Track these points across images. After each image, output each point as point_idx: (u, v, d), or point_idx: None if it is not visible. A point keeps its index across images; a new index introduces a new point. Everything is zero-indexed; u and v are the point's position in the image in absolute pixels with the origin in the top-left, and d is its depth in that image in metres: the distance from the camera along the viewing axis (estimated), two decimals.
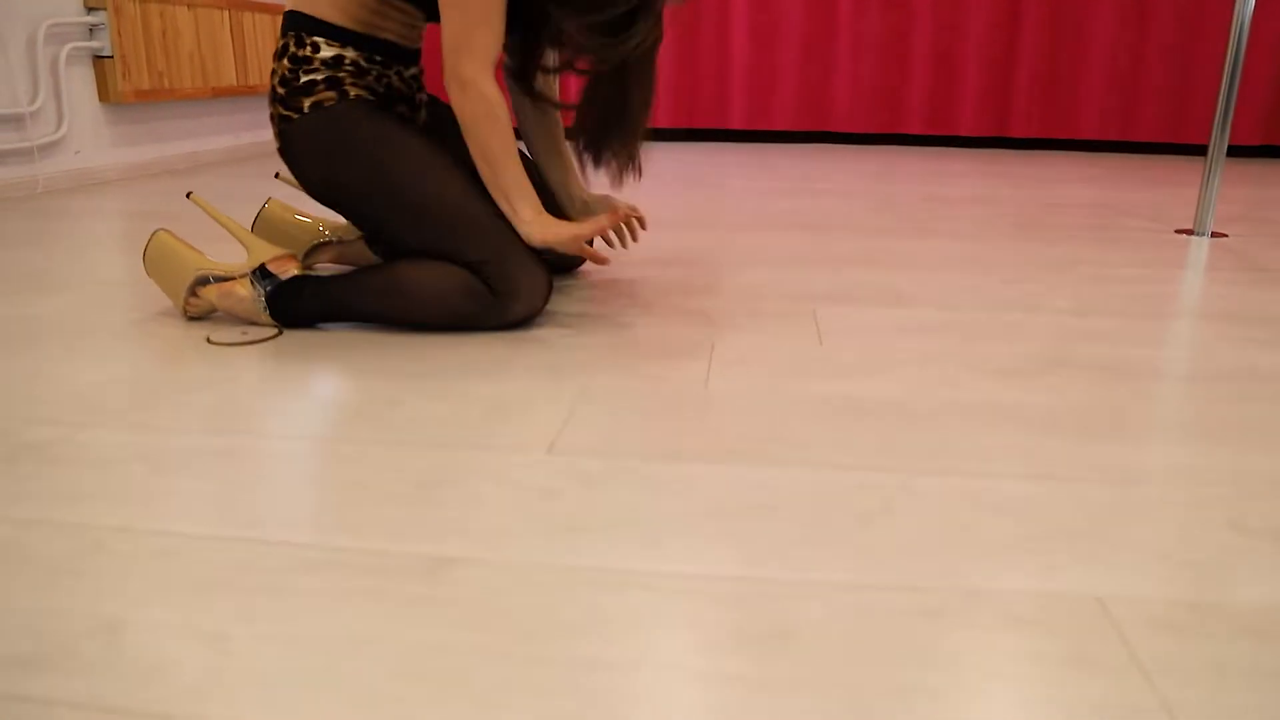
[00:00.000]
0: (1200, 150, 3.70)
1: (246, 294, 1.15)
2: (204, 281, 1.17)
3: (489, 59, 1.07)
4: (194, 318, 1.21)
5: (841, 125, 3.83)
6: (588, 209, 1.39)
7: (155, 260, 1.19)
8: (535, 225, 1.12)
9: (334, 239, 1.46)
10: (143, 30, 2.70)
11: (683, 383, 0.97)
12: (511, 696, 0.48)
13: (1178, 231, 1.90)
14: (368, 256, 1.47)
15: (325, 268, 1.47)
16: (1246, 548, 0.64)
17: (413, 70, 1.26)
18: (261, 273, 1.15)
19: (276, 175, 1.42)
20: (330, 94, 1.15)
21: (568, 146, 1.36)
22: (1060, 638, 0.53)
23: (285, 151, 1.19)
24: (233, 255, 1.51)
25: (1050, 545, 0.64)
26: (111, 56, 2.62)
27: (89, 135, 2.62)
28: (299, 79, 1.14)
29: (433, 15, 1.18)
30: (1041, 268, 1.55)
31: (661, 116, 3.93)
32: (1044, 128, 3.72)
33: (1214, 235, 1.86)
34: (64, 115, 2.52)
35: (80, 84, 2.58)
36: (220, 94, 3.10)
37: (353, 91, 1.15)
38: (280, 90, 1.16)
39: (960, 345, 1.11)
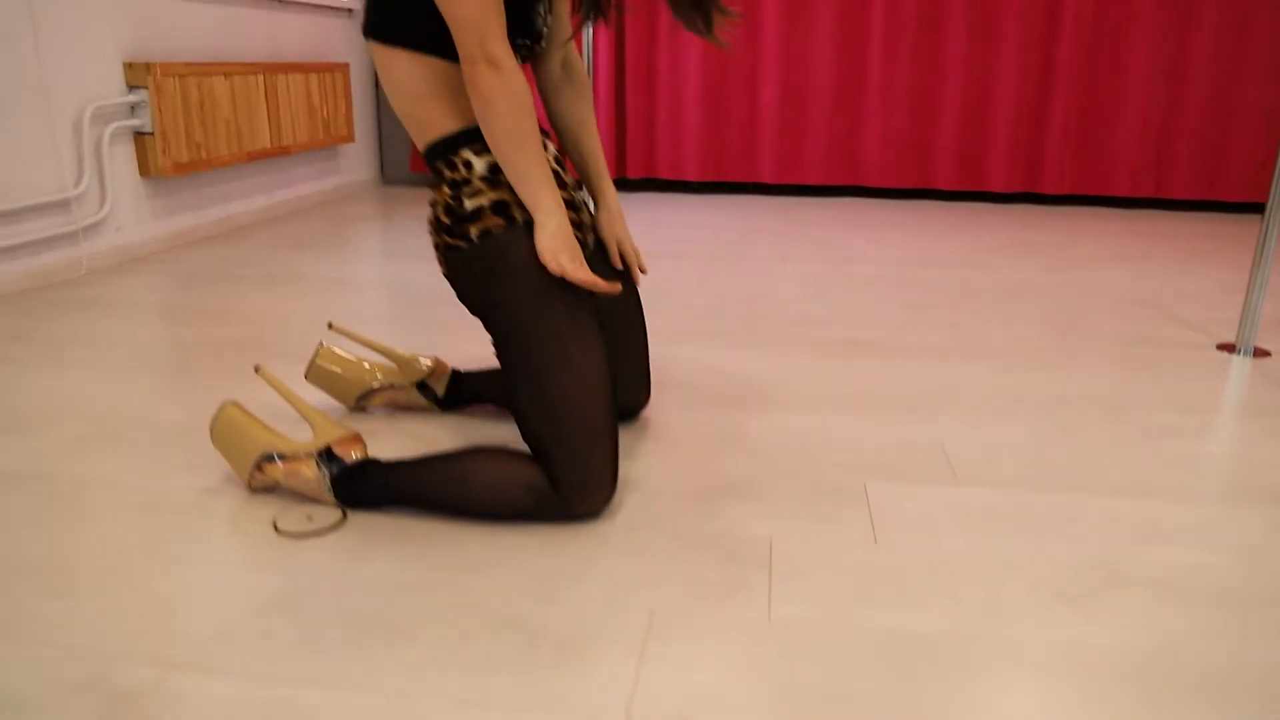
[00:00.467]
0: (1239, 208, 3.68)
1: (312, 475, 1.17)
2: (269, 459, 1.19)
3: (506, 40, 1.08)
4: (255, 490, 1.23)
5: (872, 180, 3.83)
6: (611, 221, 1.38)
7: (223, 434, 1.21)
8: (556, 225, 1.11)
9: (385, 385, 1.48)
10: (181, 104, 2.72)
11: (747, 608, 0.98)
12: None
13: (1219, 348, 1.90)
14: (418, 401, 1.49)
15: (377, 412, 1.49)
16: None
17: (551, 152, 1.26)
18: (327, 454, 1.17)
19: (325, 334, 1.44)
20: (498, 220, 1.15)
21: (597, 132, 1.37)
22: None
23: (450, 275, 1.21)
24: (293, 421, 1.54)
25: None
26: (152, 133, 2.65)
27: (129, 211, 2.66)
28: (463, 205, 1.15)
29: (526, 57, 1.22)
30: (1086, 407, 1.56)
31: (691, 168, 3.94)
32: (1076, 184, 3.71)
33: (1256, 354, 1.86)
34: (107, 195, 2.55)
35: (122, 161, 2.62)
36: (255, 158, 3.13)
37: (520, 216, 1.15)
38: (445, 220, 1.17)
39: (1014, 547, 1.12)
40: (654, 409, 1.53)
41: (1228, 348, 1.90)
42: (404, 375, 1.48)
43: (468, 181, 1.16)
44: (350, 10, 3.91)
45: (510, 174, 1.12)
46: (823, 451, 1.38)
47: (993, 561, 1.08)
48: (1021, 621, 0.96)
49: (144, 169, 2.69)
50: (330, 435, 1.18)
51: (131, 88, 2.62)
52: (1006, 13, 3.56)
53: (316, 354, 1.49)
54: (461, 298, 1.21)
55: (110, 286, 2.34)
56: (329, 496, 1.17)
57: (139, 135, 2.66)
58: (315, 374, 1.48)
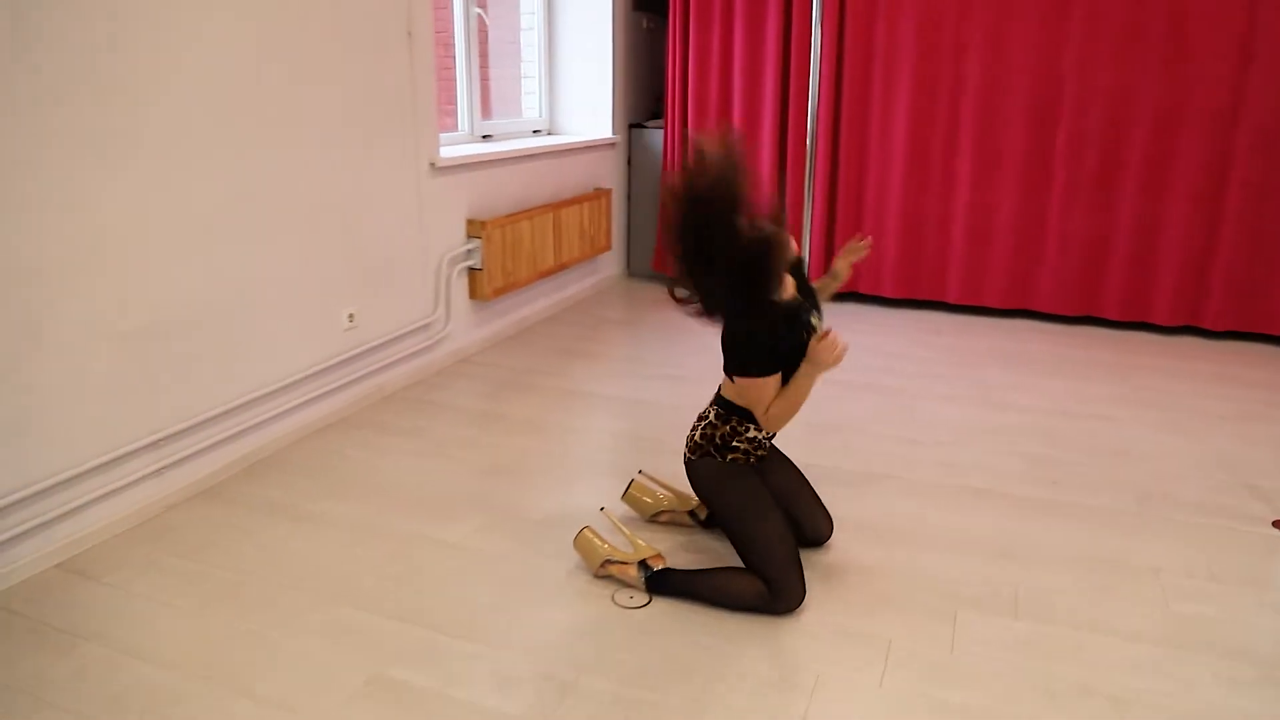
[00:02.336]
0: None
1: (634, 575, 2.07)
2: (609, 562, 2.10)
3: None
4: (599, 577, 2.13)
5: (1045, 306, 4.41)
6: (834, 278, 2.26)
7: (581, 546, 2.14)
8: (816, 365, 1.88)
9: (670, 509, 2.36)
10: (501, 246, 3.76)
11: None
12: None
13: (1276, 525, 2.45)
14: (687, 521, 2.35)
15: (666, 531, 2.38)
16: None
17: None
18: (642, 564, 2.06)
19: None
20: (740, 457, 2.02)
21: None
22: None
23: (691, 465, 2.05)
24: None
25: None
26: (481, 269, 3.70)
27: (461, 325, 3.72)
28: (731, 444, 2.02)
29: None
30: (1134, 568, 2.20)
31: (887, 286, 4.66)
32: (1238, 320, 4.13)
33: None
34: (450, 316, 3.62)
35: (457, 290, 3.67)
36: (543, 275, 4.15)
37: (747, 461, 2.03)
38: (714, 439, 2.02)
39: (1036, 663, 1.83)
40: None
41: None
42: (681, 505, 2.35)
43: (739, 434, 2.01)
44: (614, 144, 4.91)
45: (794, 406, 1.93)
46: (916, 563, 2.12)
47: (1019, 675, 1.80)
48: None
49: (473, 293, 3.74)
50: (646, 553, 2.08)
51: (470, 238, 3.68)
52: (1178, 169, 4.06)
53: (630, 485, 2.39)
54: (692, 480, 2.07)
55: (445, 389, 3.38)
56: (642, 588, 2.06)
57: (472, 271, 3.72)
58: (630, 495, 2.39)
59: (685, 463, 2.08)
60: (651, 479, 2.40)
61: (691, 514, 2.35)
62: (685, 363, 3.73)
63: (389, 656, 1.85)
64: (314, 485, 2.59)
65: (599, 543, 2.13)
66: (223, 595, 2.05)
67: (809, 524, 2.21)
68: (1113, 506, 2.54)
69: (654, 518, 2.38)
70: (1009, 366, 3.77)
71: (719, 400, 2.05)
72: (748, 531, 1.98)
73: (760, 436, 2.04)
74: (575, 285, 4.71)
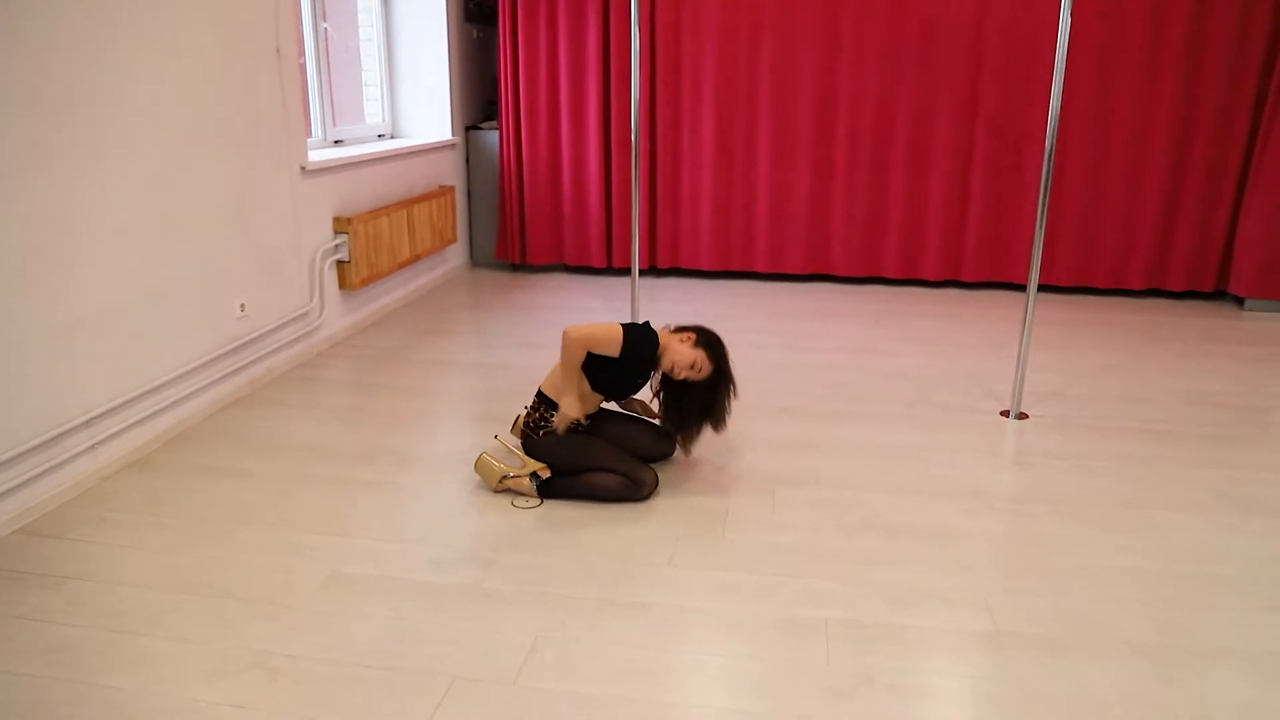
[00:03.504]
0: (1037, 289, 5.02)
1: (527, 485, 2.59)
2: (506, 478, 2.61)
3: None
4: (498, 491, 2.64)
5: (837, 270, 5.23)
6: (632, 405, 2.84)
7: (481, 469, 2.65)
8: (572, 406, 2.56)
9: (515, 474, 2.86)
10: (365, 240, 4.17)
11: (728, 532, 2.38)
12: None
13: (1002, 414, 3.26)
14: (526, 487, 2.87)
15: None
16: None
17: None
18: (533, 475, 2.59)
19: (495, 436, 2.84)
20: (550, 430, 2.61)
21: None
22: None
23: (526, 444, 2.65)
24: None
25: None
26: (349, 261, 4.10)
27: (334, 313, 4.10)
28: (541, 424, 2.62)
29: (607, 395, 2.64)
30: (899, 449, 2.93)
31: (704, 260, 5.35)
32: (988, 273, 5.07)
33: (1021, 417, 3.22)
34: (324, 305, 4.00)
35: (329, 281, 4.06)
36: (401, 266, 4.57)
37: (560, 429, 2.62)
38: (529, 423, 2.65)
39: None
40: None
41: (1005, 414, 3.26)
42: (524, 470, 2.84)
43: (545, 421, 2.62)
44: (454, 145, 5.37)
45: (558, 378, 2.57)
46: (742, 460, 2.76)
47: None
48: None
49: (342, 284, 4.13)
50: (534, 466, 2.60)
51: (337, 233, 4.07)
52: (934, 152, 4.95)
53: (480, 458, 2.86)
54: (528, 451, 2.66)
55: (326, 369, 3.78)
56: (535, 494, 2.59)
57: (340, 263, 4.10)
58: (479, 467, 2.89)
59: (522, 442, 2.69)
60: (505, 444, 2.85)
61: (533, 476, 2.82)
62: (529, 335, 4.28)
63: (343, 560, 2.30)
64: (235, 450, 2.96)
65: (495, 463, 2.64)
66: (183, 536, 2.43)
67: (649, 449, 2.78)
68: (890, 412, 3.29)
69: (500, 482, 2.75)
70: (811, 319, 4.53)
71: (538, 393, 2.67)
72: (587, 459, 2.60)
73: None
74: (427, 275, 5.14)
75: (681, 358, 2.55)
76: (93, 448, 2.75)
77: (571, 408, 2.57)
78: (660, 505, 2.57)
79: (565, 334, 2.52)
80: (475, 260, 5.80)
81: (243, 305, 3.42)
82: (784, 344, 4.10)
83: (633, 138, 3.91)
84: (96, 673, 1.87)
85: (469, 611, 2.08)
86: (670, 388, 2.70)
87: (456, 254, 5.58)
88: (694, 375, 2.57)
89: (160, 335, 3.00)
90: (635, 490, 2.57)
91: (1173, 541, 2.40)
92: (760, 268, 5.32)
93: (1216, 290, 4.98)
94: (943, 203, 5.05)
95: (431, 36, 5.13)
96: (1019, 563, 2.29)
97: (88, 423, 2.72)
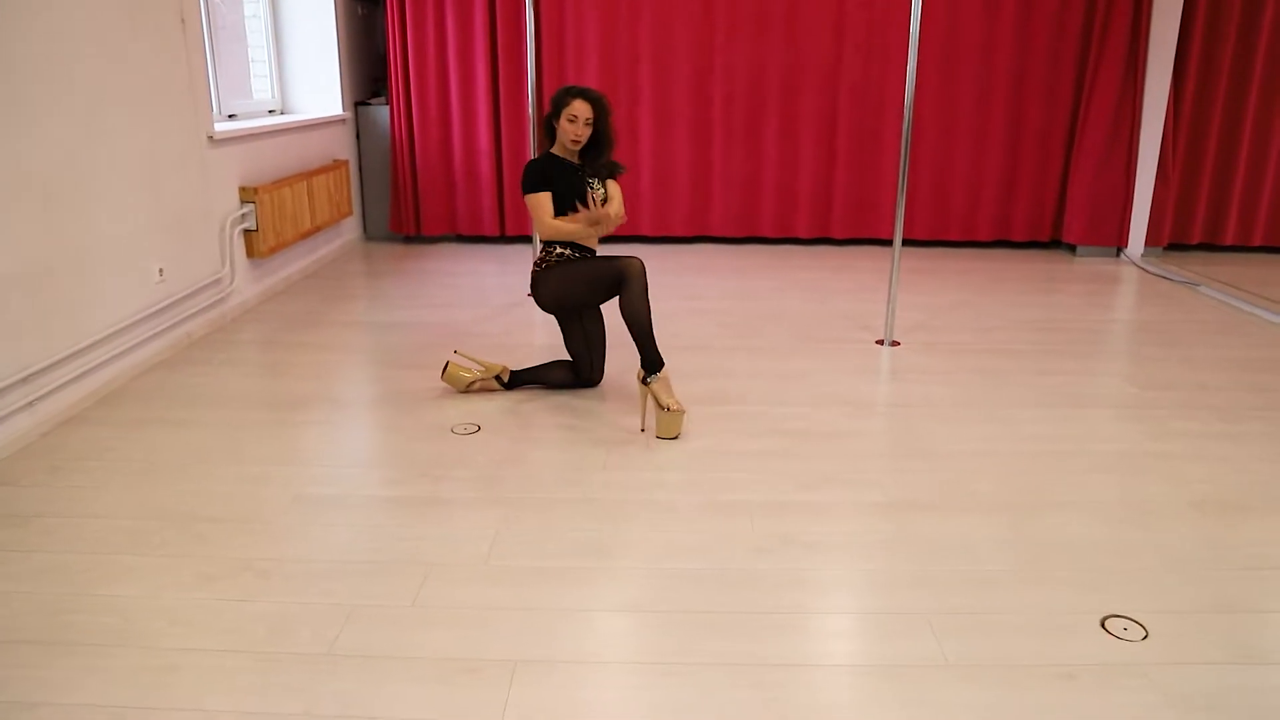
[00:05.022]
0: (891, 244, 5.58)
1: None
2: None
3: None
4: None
5: (718, 231, 5.61)
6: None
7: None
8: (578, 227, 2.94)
9: (481, 378, 3.10)
10: (270, 209, 4.27)
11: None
12: None
13: (877, 342, 3.70)
14: (494, 387, 3.12)
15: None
16: None
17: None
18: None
19: (455, 351, 3.09)
20: (556, 258, 2.97)
21: None
22: None
23: (536, 276, 3.01)
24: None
25: None
26: (256, 229, 4.19)
27: (244, 280, 4.20)
28: (548, 255, 2.97)
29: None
30: (789, 374, 3.31)
31: None
32: (855, 230, 5.56)
33: (893, 344, 3.66)
34: (235, 272, 4.09)
35: (239, 249, 4.15)
36: (303, 236, 4.68)
37: (567, 258, 2.98)
38: (539, 258, 2.98)
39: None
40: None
41: (880, 342, 3.70)
42: (489, 373, 3.11)
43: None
44: (345, 120, 5.47)
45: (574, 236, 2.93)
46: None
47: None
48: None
49: (250, 252, 4.22)
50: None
51: (244, 202, 4.16)
52: (803, 120, 5.39)
53: (447, 366, 3.10)
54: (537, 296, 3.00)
55: (243, 330, 3.90)
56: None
57: (248, 232, 4.20)
58: (448, 376, 3.12)
59: (532, 276, 3.05)
60: (464, 356, 3.14)
61: (497, 378, 3.14)
62: (431, 297, 4.50)
63: (304, 483, 2.49)
64: (172, 403, 3.07)
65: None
66: (142, 476, 2.56)
67: (588, 370, 3.09)
68: (779, 345, 3.68)
69: (468, 388, 3.13)
70: (699, 275, 4.89)
71: (543, 242, 3.05)
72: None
73: (566, 252, 3.02)
74: (325, 247, 5.24)
75: (565, 131, 3.02)
76: (30, 404, 2.82)
77: (578, 224, 2.96)
78: (590, 426, 2.85)
79: (546, 235, 2.99)
80: (369, 234, 5.91)
81: (161, 270, 3.51)
82: (676, 295, 4.44)
83: (530, 110, 4.16)
84: (94, 584, 2.03)
85: (431, 515, 2.32)
86: (585, 154, 3.14)
87: (351, 227, 5.68)
88: (581, 128, 3.02)
89: (88, 297, 3.08)
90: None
91: (1021, 430, 2.86)
92: (646, 231, 5.65)
93: (1052, 240, 5.62)
94: (812, 167, 5.50)
95: (318, 10, 5.21)
96: (901, 451, 2.70)
97: (25, 379, 2.80)
